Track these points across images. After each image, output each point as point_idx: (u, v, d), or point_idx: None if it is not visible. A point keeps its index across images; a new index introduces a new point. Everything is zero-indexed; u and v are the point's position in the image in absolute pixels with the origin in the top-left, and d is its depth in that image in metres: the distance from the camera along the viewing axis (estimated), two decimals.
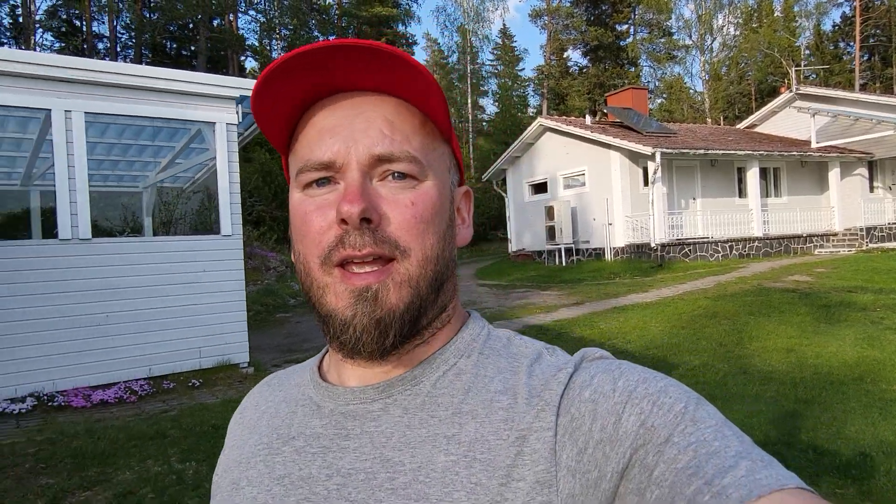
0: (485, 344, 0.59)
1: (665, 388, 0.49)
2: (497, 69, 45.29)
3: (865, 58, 45.63)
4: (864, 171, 19.05)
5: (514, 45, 46.07)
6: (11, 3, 29.58)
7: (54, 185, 6.16)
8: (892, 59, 43.63)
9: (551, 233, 17.78)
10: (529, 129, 20.01)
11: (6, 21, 30.98)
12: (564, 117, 21.86)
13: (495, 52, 45.62)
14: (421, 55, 46.37)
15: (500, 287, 14.55)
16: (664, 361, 6.87)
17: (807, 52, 41.47)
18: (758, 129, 22.11)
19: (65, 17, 31.56)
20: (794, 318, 8.48)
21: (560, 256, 17.74)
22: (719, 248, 16.11)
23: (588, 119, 19.32)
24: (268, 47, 36.15)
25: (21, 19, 30.16)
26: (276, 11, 34.25)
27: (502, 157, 21.60)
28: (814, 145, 18.49)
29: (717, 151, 16.39)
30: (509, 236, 21.93)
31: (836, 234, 18.12)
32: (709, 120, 37.01)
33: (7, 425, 5.26)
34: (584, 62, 47.17)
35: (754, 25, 40.07)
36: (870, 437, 4.28)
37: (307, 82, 0.53)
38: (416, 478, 0.50)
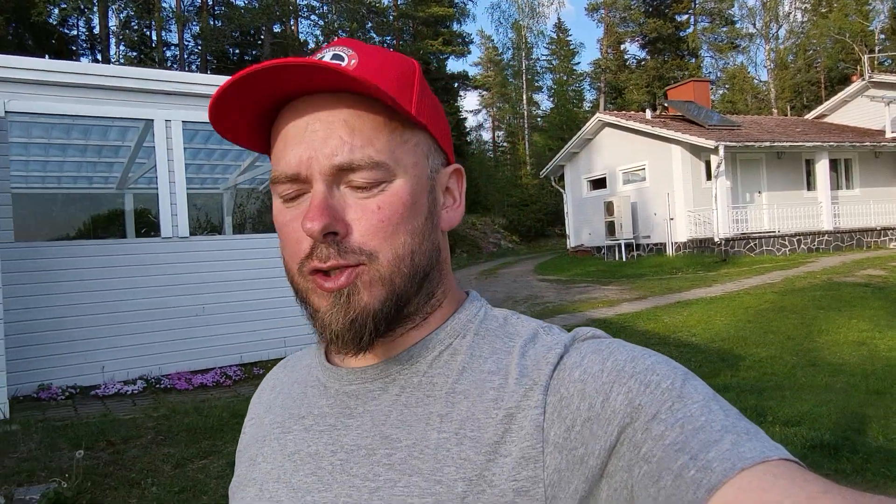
0: (481, 324, 0.60)
1: (653, 365, 0.50)
2: (552, 64, 44.98)
3: None
4: None
5: (569, 39, 45.52)
6: (88, 15, 31.54)
7: (155, 188, 6.79)
8: None
9: (611, 228, 17.76)
10: (588, 124, 19.98)
11: (83, 34, 33.12)
12: (624, 112, 21.70)
13: (550, 47, 45.33)
14: (476, 53, 46.58)
15: (561, 282, 14.67)
16: (730, 353, 6.94)
17: (881, 36, 39.37)
18: (828, 120, 21.35)
19: (136, 27, 33.35)
20: (866, 313, 8.35)
21: (620, 252, 17.70)
22: (786, 243, 15.74)
23: (648, 113, 19.15)
24: None
25: (97, 30, 32.15)
26: (335, 15, 35.17)
27: (560, 153, 21.62)
28: (888, 135, 17.79)
29: (784, 144, 16.01)
30: (567, 232, 21.96)
31: None
32: (774, 110, 35.78)
33: (125, 404, 5.91)
34: (643, 55, 46.38)
35: (823, 10, 38.41)
36: None
37: (261, 94, 0.53)
38: (412, 454, 0.53)
